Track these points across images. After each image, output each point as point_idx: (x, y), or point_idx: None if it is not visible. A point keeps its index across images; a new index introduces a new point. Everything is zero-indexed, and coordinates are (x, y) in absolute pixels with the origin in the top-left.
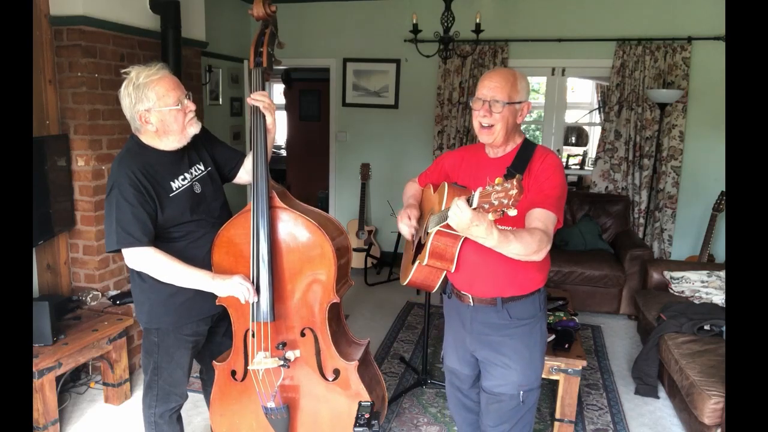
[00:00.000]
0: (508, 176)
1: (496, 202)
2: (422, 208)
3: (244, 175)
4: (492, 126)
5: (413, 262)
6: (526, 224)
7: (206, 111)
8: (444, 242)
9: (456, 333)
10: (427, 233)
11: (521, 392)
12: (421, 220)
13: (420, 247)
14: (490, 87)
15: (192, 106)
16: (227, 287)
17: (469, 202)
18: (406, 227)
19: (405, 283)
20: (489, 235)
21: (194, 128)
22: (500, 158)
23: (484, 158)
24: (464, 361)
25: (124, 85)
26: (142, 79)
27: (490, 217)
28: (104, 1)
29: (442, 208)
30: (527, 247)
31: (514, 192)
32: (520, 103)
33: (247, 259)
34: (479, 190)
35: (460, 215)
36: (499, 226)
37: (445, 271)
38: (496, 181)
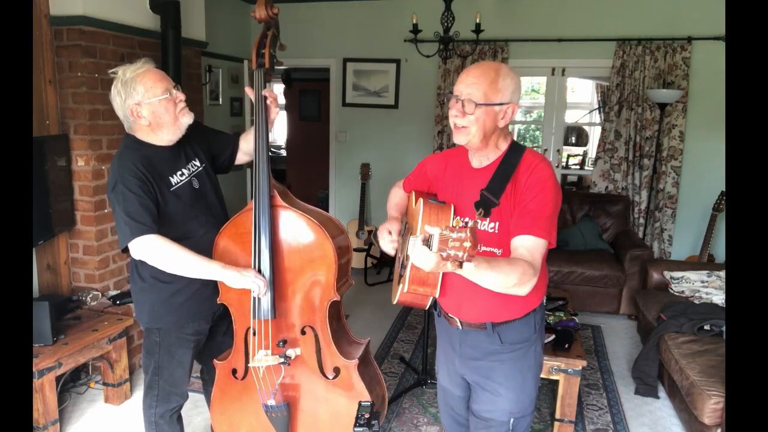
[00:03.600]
0: (481, 204)
1: (452, 252)
2: (407, 217)
3: (243, 156)
4: (467, 127)
5: (399, 282)
6: (511, 252)
7: (206, 111)
8: None
9: (446, 354)
10: (408, 255)
11: (512, 419)
12: (405, 232)
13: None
14: (467, 83)
15: (182, 96)
16: (243, 280)
17: (428, 244)
18: (388, 244)
19: (395, 303)
20: (457, 271)
21: (187, 118)
22: (484, 169)
23: (467, 168)
24: (455, 383)
25: (113, 85)
26: (129, 74)
27: (449, 267)
28: (104, 1)
29: (418, 232)
30: (505, 279)
31: (467, 245)
32: (501, 104)
33: (249, 257)
34: (438, 233)
35: (424, 261)
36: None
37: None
38: (454, 222)
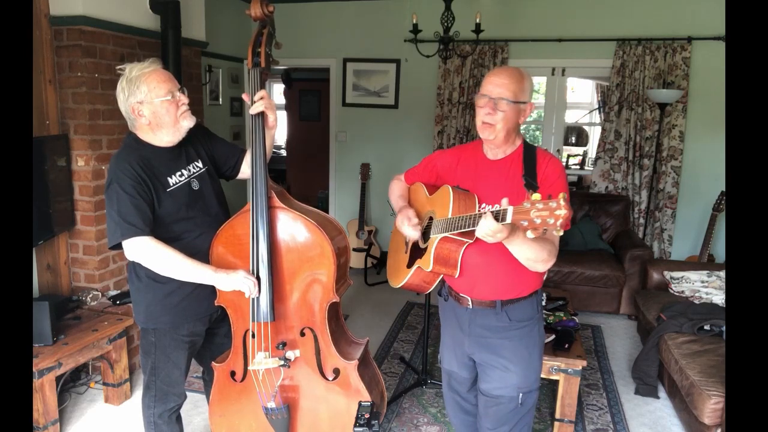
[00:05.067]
0: (527, 186)
1: (538, 221)
2: (413, 205)
3: (247, 169)
4: (494, 124)
5: (409, 266)
6: None
7: (206, 111)
8: (448, 248)
9: (453, 336)
10: (427, 237)
11: (520, 394)
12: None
13: (415, 250)
14: (497, 84)
15: (185, 99)
16: (232, 282)
17: (497, 216)
18: (411, 228)
19: (399, 286)
20: (513, 241)
21: (188, 122)
22: (500, 161)
23: (483, 160)
24: (462, 364)
25: (119, 81)
26: (135, 72)
27: (530, 234)
28: (104, 1)
29: (449, 214)
30: (539, 254)
31: (562, 213)
32: (524, 103)
33: (247, 259)
34: (511, 207)
35: (493, 233)
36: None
37: (441, 274)
38: (534, 197)
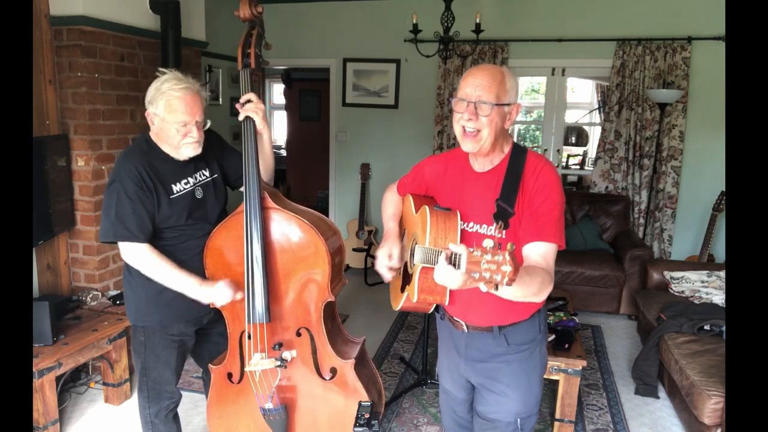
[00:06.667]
0: (499, 215)
1: (487, 275)
2: (403, 225)
3: None
4: (478, 131)
5: (402, 290)
6: (524, 259)
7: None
8: (433, 277)
9: (449, 357)
10: (414, 264)
11: (518, 420)
12: (404, 238)
13: (407, 273)
14: (476, 85)
15: (195, 135)
16: (209, 294)
17: (454, 263)
18: (386, 269)
19: (397, 309)
20: (491, 291)
21: (190, 150)
22: (487, 173)
23: (469, 172)
24: (459, 386)
25: (154, 81)
26: (165, 87)
27: (482, 287)
28: (104, 1)
29: (426, 242)
30: (526, 290)
31: (507, 269)
32: (509, 104)
33: (241, 260)
34: (466, 253)
35: (450, 280)
36: None
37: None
38: (486, 245)
